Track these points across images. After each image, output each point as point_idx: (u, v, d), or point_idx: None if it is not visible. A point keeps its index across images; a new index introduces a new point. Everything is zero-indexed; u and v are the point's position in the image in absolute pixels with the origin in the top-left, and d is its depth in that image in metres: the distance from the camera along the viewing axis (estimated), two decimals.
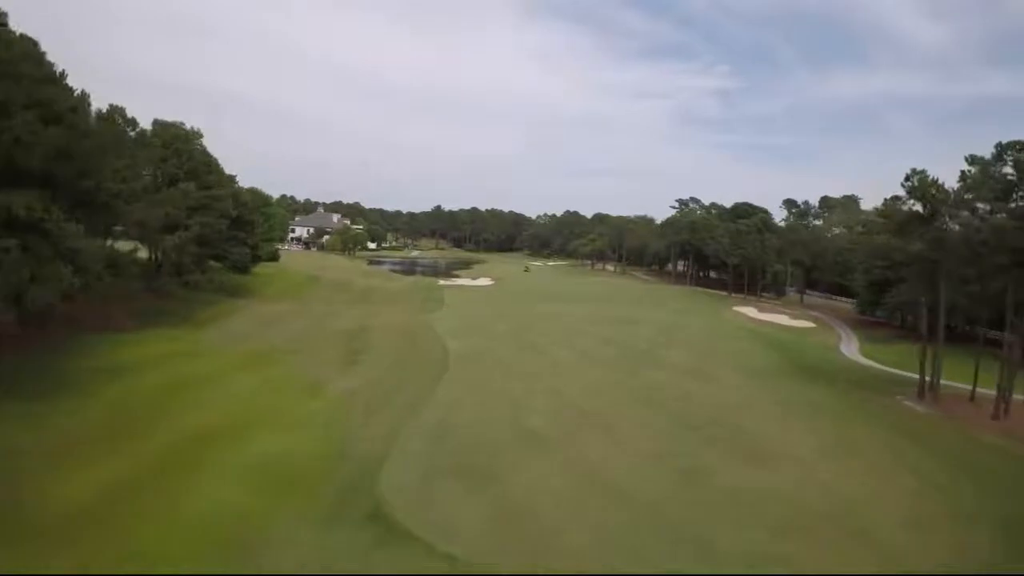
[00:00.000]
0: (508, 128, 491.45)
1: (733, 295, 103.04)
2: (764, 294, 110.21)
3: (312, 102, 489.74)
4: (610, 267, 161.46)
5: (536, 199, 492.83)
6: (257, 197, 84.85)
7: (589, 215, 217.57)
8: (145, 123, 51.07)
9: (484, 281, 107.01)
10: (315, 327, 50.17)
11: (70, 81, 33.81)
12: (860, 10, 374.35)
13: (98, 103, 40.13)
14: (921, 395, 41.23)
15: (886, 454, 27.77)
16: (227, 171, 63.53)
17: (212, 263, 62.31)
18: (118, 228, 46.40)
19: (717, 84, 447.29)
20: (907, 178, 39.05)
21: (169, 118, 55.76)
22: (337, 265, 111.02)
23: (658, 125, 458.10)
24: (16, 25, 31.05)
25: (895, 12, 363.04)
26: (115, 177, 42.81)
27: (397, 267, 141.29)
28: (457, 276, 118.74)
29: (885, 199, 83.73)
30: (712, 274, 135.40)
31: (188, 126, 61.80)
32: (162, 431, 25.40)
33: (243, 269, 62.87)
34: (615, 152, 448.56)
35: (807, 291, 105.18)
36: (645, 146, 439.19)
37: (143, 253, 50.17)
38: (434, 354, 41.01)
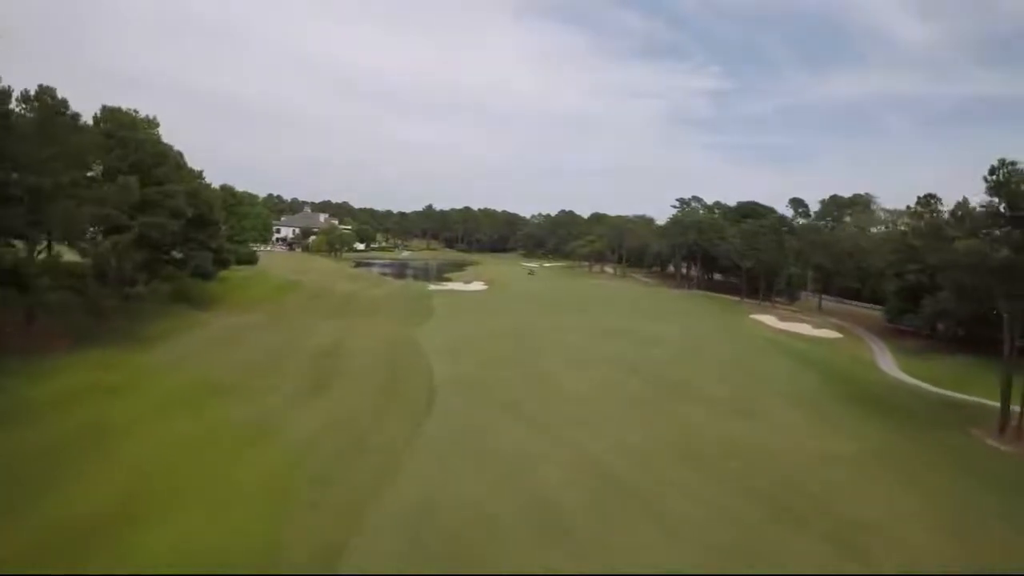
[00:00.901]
0: (499, 127, 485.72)
1: (746, 301, 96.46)
2: (775, 299, 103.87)
3: (303, 101, 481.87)
4: (609, 268, 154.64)
5: (528, 198, 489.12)
6: (228, 195, 77.23)
7: (584, 215, 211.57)
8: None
9: (477, 285, 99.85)
10: (281, 346, 42.84)
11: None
12: (852, 10, 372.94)
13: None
14: (1003, 430, 34.54)
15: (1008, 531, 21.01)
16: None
17: (174, 270, 55.00)
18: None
19: (709, 84, 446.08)
20: (992, 171, 32.30)
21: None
22: (320, 268, 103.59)
23: (651, 125, 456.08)
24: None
25: (887, 12, 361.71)
26: (42, 170, 35.66)
27: (385, 269, 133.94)
28: (448, 280, 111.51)
29: (919, 198, 78.36)
30: (717, 276, 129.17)
31: (144, 114, 54.77)
32: (39, 513, 18.26)
33: (206, 276, 55.40)
34: (607, 152, 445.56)
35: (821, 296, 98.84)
36: (637, 146, 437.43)
37: (76, 258, 42.60)
38: (418, 385, 33.81)
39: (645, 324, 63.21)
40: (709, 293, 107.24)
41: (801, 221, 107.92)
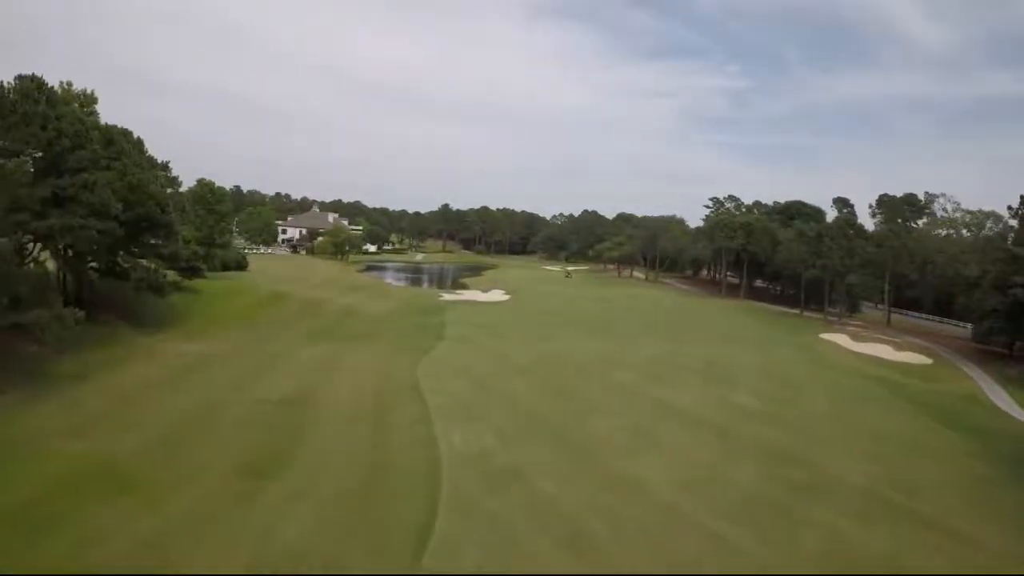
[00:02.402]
0: (516, 128, 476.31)
1: (805, 314, 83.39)
2: (830, 309, 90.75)
3: (318, 101, 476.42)
4: (638, 273, 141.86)
5: (545, 199, 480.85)
6: (206, 191, 66.15)
7: (607, 215, 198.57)
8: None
9: (497, 294, 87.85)
10: (227, 396, 31.14)
11: None
12: (867, 10, 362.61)
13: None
14: None
15: None
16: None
17: (116, 282, 43.99)
18: None
19: (727, 84, 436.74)
20: None
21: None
22: (320, 274, 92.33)
23: (667, 124, 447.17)
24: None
25: (903, 13, 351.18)
26: None
27: (395, 275, 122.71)
28: (464, 287, 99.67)
29: (1022, 197, 64.94)
30: (756, 283, 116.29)
31: (79, 88, 43.84)
32: None
33: (157, 290, 44.09)
34: (624, 152, 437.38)
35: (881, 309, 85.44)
36: (654, 146, 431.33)
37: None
38: (411, 488, 21.63)
39: (710, 351, 50.79)
40: (758, 303, 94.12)
41: (873, 224, 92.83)
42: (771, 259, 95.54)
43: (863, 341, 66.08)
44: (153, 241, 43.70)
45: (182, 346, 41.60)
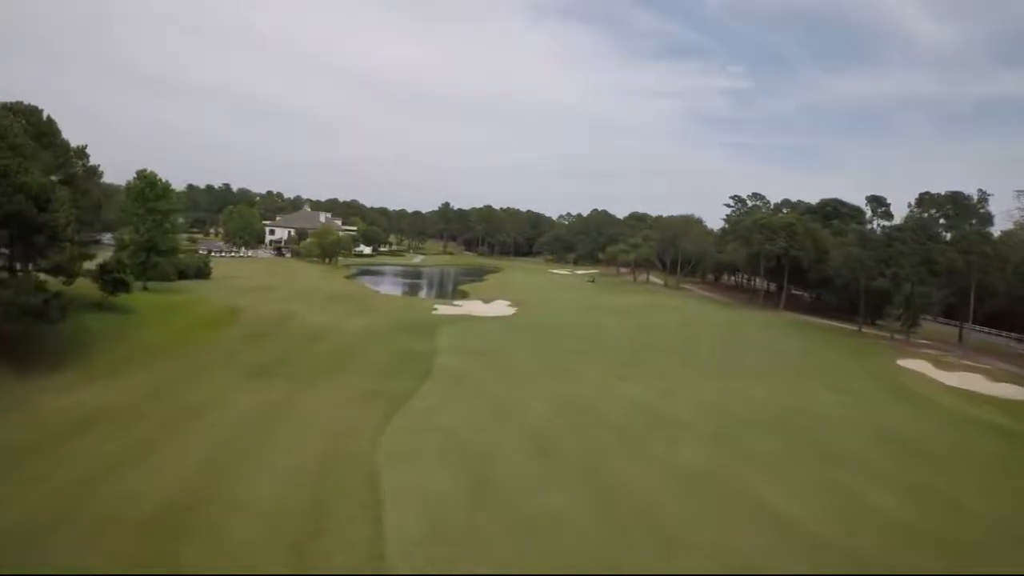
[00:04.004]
0: (520, 128, 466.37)
1: (863, 329, 71.25)
2: (882, 323, 78.80)
3: (318, 100, 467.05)
4: (655, 278, 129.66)
5: (548, 200, 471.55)
6: (145, 184, 54.38)
7: (618, 215, 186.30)
8: None
9: (501, 306, 75.92)
10: (73, 498, 19.38)
11: None
12: (871, 10, 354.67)
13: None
14: None
15: None
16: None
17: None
18: None
19: (731, 84, 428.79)
20: None
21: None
22: (298, 281, 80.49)
23: (671, 126, 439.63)
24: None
25: (906, 12, 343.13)
26: None
27: (388, 281, 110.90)
28: (464, 296, 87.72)
29: None
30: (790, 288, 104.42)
31: None
32: None
33: (40, 316, 32.25)
34: (624, 152, 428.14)
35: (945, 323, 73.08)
36: (657, 147, 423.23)
37: None
38: None
39: (778, 391, 38.81)
40: (802, 317, 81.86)
41: (943, 228, 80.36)
42: (816, 264, 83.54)
43: (949, 369, 53.94)
44: (33, 247, 31.84)
45: (72, 395, 29.86)
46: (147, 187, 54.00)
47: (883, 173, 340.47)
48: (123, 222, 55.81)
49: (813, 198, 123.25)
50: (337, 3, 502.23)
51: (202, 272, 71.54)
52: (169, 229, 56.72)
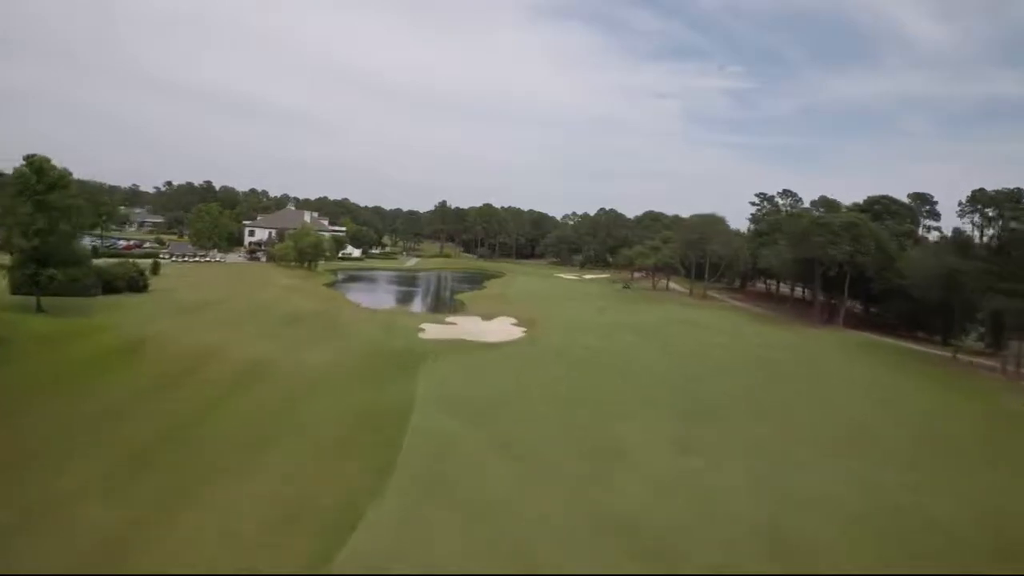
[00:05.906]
0: (520, 129, 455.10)
1: (957, 356, 57.07)
2: (957, 343, 65.25)
3: (317, 99, 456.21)
4: (675, 285, 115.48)
5: (550, 200, 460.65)
6: (31, 173, 40.40)
7: (628, 214, 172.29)
8: None
9: (504, 325, 61.92)
10: None
11: None
12: (871, 10, 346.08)
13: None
14: None
15: None
16: None
17: None
18: None
19: (730, 85, 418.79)
20: None
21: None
22: (257, 294, 66.38)
23: (671, 126, 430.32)
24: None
25: (906, 12, 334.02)
26: None
27: (375, 288, 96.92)
28: (459, 312, 73.61)
29: None
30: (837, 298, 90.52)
31: None
32: None
33: None
34: (626, 154, 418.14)
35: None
36: (657, 147, 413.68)
37: None
38: None
39: (963, 496, 24.74)
40: (873, 336, 67.69)
41: (966, 225, 68.02)
42: (881, 272, 69.75)
43: None
44: None
45: None
46: (35, 176, 40.03)
47: (883, 173, 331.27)
48: (5, 221, 42.10)
49: (813, 198, 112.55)
50: (337, 3, 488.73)
51: (136, 284, 57.61)
52: (68, 232, 42.86)
